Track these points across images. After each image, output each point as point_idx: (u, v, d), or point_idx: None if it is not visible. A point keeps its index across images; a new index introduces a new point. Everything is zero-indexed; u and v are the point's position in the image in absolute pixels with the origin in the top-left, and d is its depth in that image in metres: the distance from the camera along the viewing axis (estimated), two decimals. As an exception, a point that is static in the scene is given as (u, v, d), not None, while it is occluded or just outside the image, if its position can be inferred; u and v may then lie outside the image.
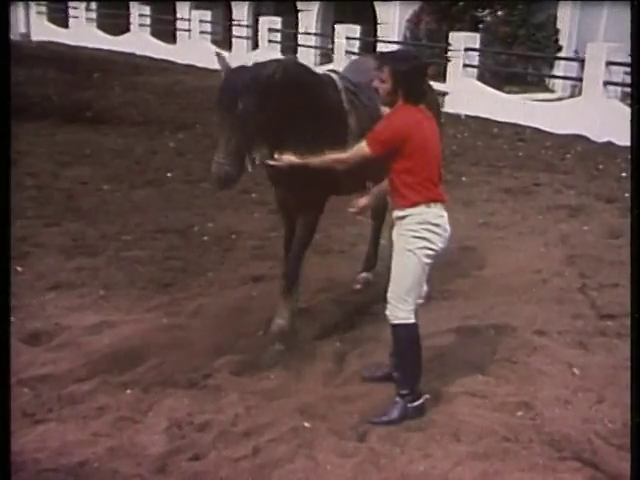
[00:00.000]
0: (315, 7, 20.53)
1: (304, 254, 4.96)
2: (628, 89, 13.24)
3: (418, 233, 3.92)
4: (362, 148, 3.96)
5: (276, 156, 4.26)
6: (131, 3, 25.72)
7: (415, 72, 3.97)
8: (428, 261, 3.98)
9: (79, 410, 4.03)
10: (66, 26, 27.91)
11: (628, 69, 13.01)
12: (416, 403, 4.09)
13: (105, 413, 4.01)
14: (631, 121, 3.33)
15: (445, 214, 4.00)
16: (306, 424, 3.96)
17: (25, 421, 3.90)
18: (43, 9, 28.34)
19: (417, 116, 3.97)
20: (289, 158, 4.22)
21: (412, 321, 4.01)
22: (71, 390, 4.21)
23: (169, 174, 9.41)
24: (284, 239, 5.21)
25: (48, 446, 3.67)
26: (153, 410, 4.08)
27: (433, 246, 3.95)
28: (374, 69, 4.03)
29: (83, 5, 27.17)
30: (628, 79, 13.03)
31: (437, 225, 3.95)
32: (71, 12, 27.91)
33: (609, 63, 12.48)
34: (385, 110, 4.18)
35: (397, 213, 4.01)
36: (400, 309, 3.98)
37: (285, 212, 5.11)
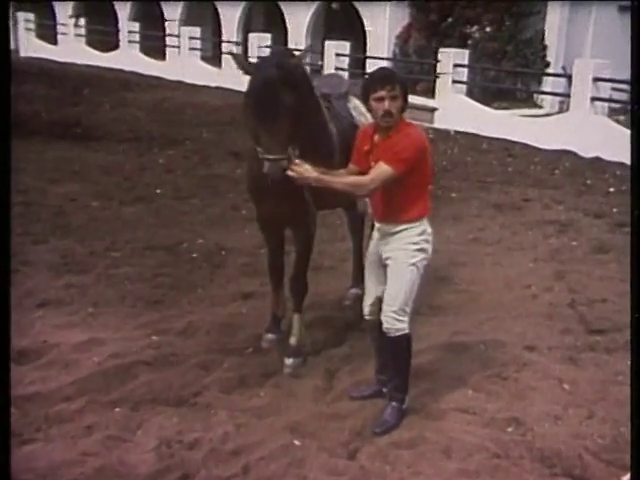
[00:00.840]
0: (305, 24, 20.64)
1: (308, 267, 4.97)
2: (615, 105, 13.36)
3: (419, 245, 4.02)
4: (387, 170, 3.85)
5: (295, 168, 4.00)
6: (120, 19, 25.80)
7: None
8: (423, 271, 4.08)
9: (67, 429, 4.00)
10: (55, 42, 27.91)
11: (615, 85, 13.15)
12: (404, 406, 4.23)
13: (93, 432, 3.98)
14: (631, 122, 3.39)
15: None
16: (296, 442, 3.94)
17: (12, 441, 3.86)
18: (32, 25, 28.33)
19: (418, 128, 4.06)
20: (309, 173, 3.98)
21: (409, 331, 4.11)
22: (59, 409, 4.17)
23: (158, 191, 9.39)
24: (270, 259, 5.16)
25: (35, 466, 3.64)
26: (142, 428, 4.05)
27: (428, 255, 4.08)
28: (380, 89, 3.88)
29: (72, 21, 27.19)
30: (615, 95, 13.17)
31: (430, 234, 4.08)
32: (60, 28, 27.89)
33: (596, 79, 12.57)
34: (361, 122, 4.22)
35: (395, 228, 4.03)
36: (401, 321, 4.05)
37: (272, 230, 5.00)
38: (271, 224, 4.95)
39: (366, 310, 4.33)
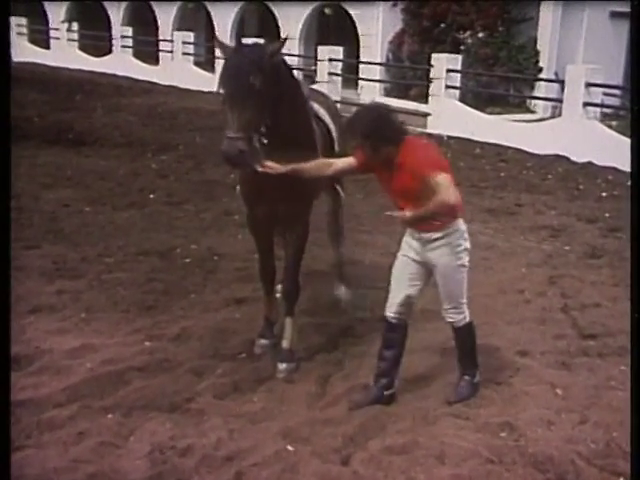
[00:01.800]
0: (298, 29, 20.67)
1: (299, 270, 4.98)
2: (607, 110, 13.42)
3: (462, 246, 4.27)
4: (447, 177, 4.05)
5: (269, 164, 4.18)
6: (113, 24, 25.80)
7: (376, 127, 4.04)
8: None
9: (59, 436, 3.97)
10: (47, 47, 27.87)
11: (607, 90, 13.21)
12: (476, 379, 4.58)
13: (86, 438, 3.95)
14: (631, 122, 3.48)
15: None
16: (289, 448, 3.93)
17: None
18: (24, 30, 28.29)
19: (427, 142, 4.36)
20: (281, 168, 4.17)
21: (469, 319, 4.47)
22: (51, 415, 4.15)
23: (152, 196, 9.38)
24: (261, 264, 5.17)
25: (27, 473, 3.61)
26: (135, 435, 4.03)
27: (468, 251, 4.33)
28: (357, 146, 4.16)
29: (64, 26, 27.16)
30: (607, 100, 13.22)
31: (465, 231, 4.31)
32: (52, 33, 27.89)
33: (588, 84, 12.63)
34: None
35: (436, 235, 4.19)
36: (462, 312, 4.41)
37: (263, 234, 5.01)
38: (264, 227, 4.95)
39: (393, 309, 4.42)
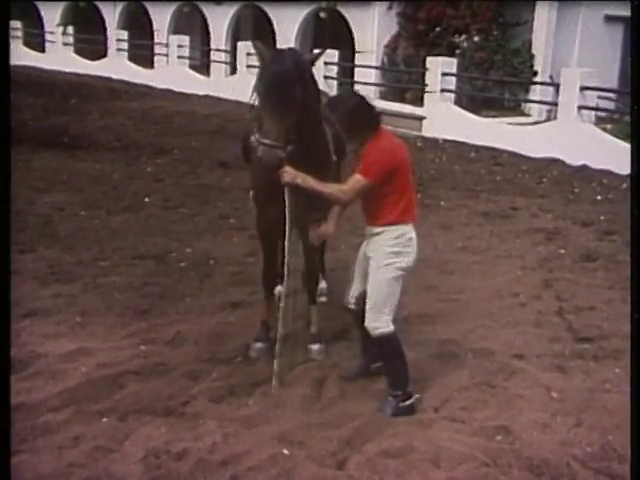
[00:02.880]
0: (293, 32, 20.69)
1: (321, 263, 5.16)
2: (602, 113, 13.46)
3: (394, 248, 4.23)
4: (360, 180, 4.13)
5: (288, 170, 4.23)
6: (108, 28, 25.78)
7: (350, 113, 4.19)
8: (401, 274, 4.28)
9: (54, 440, 3.95)
10: (43, 50, 27.86)
11: (602, 94, 13.24)
12: (407, 402, 4.38)
13: (80, 443, 3.94)
14: (631, 122, 3.52)
15: (413, 230, 4.31)
16: (285, 451, 3.91)
17: (-2, 452, 3.83)
18: (19, 33, 28.26)
19: (394, 141, 4.29)
20: (301, 175, 4.22)
21: (391, 329, 4.30)
22: (45, 419, 4.13)
23: (147, 199, 9.37)
24: (266, 266, 5.20)
25: (22, 478, 3.60)
26: (130, 439, 4.02)
27: (406, 260, 4.27)
28: None
29: (60, 30, 27.14)
30: (602, 104, 13.26)
31: (410, 240, 4.27)
32: (48, 36, 27.87)
33: (583, 88, 12.66)
34: None
35: (373, 230, 4.29)
36: (378, 320, 4.27)
37: (273, 236, 4.99)
38: (276, 229, 4.88)
39: (351, 300, 4.58)
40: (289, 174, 4.23)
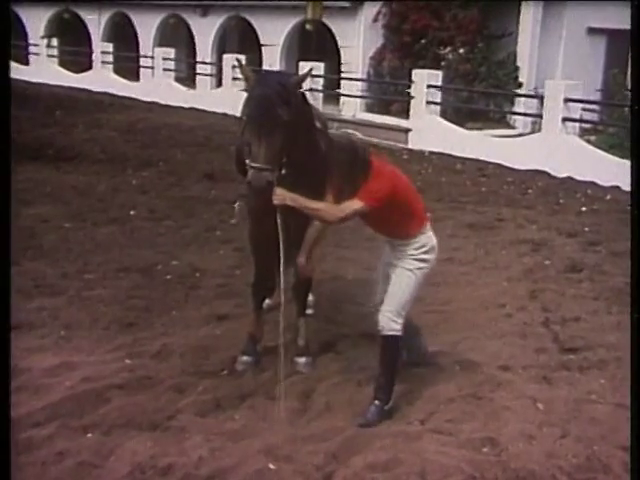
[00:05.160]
0: (279, 44, 20.75)
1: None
2: (586, 125, 13.56)
3: (416, 256, 4.44)
4: (357, 205, 4.22)
5: (278, 192, 4.23)
6: (93, 40, 25.76)
7: (348, 170, 4.31)
8: (422, 279, 4.50)
9: (37, 456, 3.91)
10: (26, 63, 27.72)
11: (586, 106, 13.35)
12: (388, 406, 4.48)
13: (65, 458, 3.89)
14: (631, 121, 3.61)
15: (431, 231, 4.54)
16: (271, 466, 3.89)
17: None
18: (3, 46, 28.14)
19: (388, 167, 4.44)
20: (290, 196, 4.24)
21: (400, 334, 4.45)
22: (29, 435, 4.08)
23: (132, 212, 9.33)
24: (258, 279, 5.20)
25: (5, 494, 3.56)
26: (115, 454, 3.98)
27: (428, 264, 4.49)
28: None
29: (44, 42, 27.08)
30: (586, 115, 13.36)
31: (433, 248, 4.51)
32: (32, 49, 27.79)
33: (567, 100, 12.75)
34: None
35: (396, 242, 4.50)
36: (396, 322, 4.42)
37: (268, 249, 4.95)
38: (269, 242, 4.89)
39: (377, 298, 4.70)
40: (278, 196, 4.24)
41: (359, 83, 18.48)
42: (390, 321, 4.41)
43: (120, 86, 23.71)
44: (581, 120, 13.15)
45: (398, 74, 17.45)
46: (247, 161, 4.31)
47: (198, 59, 22.95)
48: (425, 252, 4.46)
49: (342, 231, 8.35)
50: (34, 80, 25.49)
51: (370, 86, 18.68)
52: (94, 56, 25.40)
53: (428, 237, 4.50)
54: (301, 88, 4.57)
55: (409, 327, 4.76)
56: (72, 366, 4.97)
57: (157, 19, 24.39)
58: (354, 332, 5.72)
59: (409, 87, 15.66)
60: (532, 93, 15.90)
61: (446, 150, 14.23)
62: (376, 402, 4.47)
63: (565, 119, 12.80)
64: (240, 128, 4.62)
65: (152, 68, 22.97)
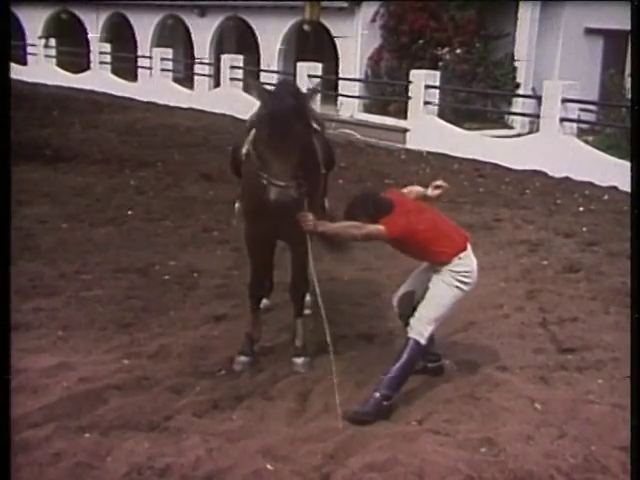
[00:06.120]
0: (277, 45, 20.74)
1: (306, 276, 5.13)
2: (583, 125, 13.57)
3: (457, 276, 4.53)
4: (380, 230, 4.39)
5: (309, 219, 4.44)
6: (91, 40, 25.72)
7: (371, 210, 4.48)
8: (459, 298, 4.60)
9: (34, 457, 3.89)
10: (24, 63, 27.66)
11: (583, 106, 13.36)
12: (387, 403, 4.49)
13: (62, 459, 3.88)
14: (631, 120, 3.63)
15: (472, 256, 4.63)
16: (269, 466, 3.89)
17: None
18: None
19: (408, 202, 4.61)
20: (320, 224, 4.47)
21: (425, 342, 4.54)
22: (26, 436, 4.07)
23: (130, 212, 9.32)
24: (255, 279, 5.19)
25: (2, 495, 3.55)
26: (112, 455, 3.97)
27: (465, 287, 4.57)
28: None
29: (42, 42, 27.04)
30: (583, 116, 13.37)
31: (468, 272, 4.56)
32: (29, 49, 27.75)
33: (565, 100, 12.76)
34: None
35: (435, 266, 4.61)
36: (425, 329, 4.52)
37: (265, 250, 5.05)
38: (268, 243, 4.98)
39: (394, 299, 4.90)
40: (308, 224, 4.42)
41: (357, 83, 18.47)
42: (419, 326, 4.51)
43: (118, 86, 23.69)
44: (579, 120, 13.16)
45: (396, 74, 17.45)
46: (264, 177, 4.28)
47: (196, 59, 22.93)
48: (464, 275, 4.54)
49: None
50: (32, 80, 25.46)
51: (368, 86, 18.68)
52: (92, 56, 25.36)
53: (466, 263, 4.56)
54: (312, 102, 4.60)
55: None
56: (69, 367, 4.96)
57: (155, 19, 24.37)
58: (352, 332, 5.72)
59: (407, 87, 15.66)
60: (530, 93, 15.91)
61: (444, 150, 14.23)
62: (376, 394, 4.48)
63: (563, 119, 12.81)
64: (252, 141, 4.64)
65: (150, 68, 22.94)
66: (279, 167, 4.21)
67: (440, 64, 16.95)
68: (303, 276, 5.12)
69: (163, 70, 22.48)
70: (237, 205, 5.52)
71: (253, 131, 4.84)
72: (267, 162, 4.29)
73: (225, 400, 4.68)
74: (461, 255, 4.55)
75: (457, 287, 4.53)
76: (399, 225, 4.41)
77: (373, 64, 18.65)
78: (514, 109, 16.45)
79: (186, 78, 23.05)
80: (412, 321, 4.55)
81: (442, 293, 4.52)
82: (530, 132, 14.71)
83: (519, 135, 14.91)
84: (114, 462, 3.90)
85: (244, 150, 4.92)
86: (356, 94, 18.32)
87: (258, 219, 4.83)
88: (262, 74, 19.99)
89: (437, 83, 15.36)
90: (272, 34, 20.73)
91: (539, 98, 13.77)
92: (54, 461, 3.87)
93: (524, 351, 5.49)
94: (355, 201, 4.57)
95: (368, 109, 18.28)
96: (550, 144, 12.75)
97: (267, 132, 4.26)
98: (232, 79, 19.74)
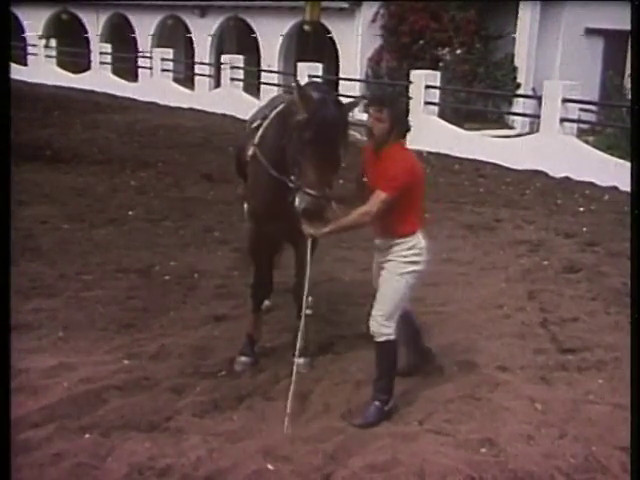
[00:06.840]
0: (277, 45, 20.74)
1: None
2: (584, 125, 13.57)
3: (409, 258, 4.35)
4: (383, 196, 4.16)
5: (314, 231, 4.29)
6: (91, 41, 25.74)
7: (406, 113, 4.38)
8: (414, 282, 4.43)
9: (35, 457, 3.90)
10: (25, 63, 27.69)
11: (583, 106, 13.36)
12: (389, 406, 4.46)
13: (62, 460, 3.89)
14: (631, 120, 3.67)
15: (421, 236, 4.44)
16: (270, 466, 3.89)
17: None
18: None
19: (411, 155, 4.43)
20: (330, 229, 4.29)
21: (395, 336, 4.39)
22: (26, 436, 4.07)
23: (130, 213, 9.32)
24: (259, 279, 5.18)
25: (2, 496, 3.55)
26: (113, 455, 3.97)
27: (419, 267, 4.40)
28: (369, 108, 4.27)
29: (42, 42, 27.06)
30: (584, 116, 13.37)
31: (422, 249, 4.40)
32: (30, 49, 27.76)
33: (565, 100, 12.76)
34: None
35: (389, 242, 4.38)
36: (387, 327, 4.35)
37: (271, 250, 5.03)
38: (275, 243, 4.97)
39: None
40: (317, 232, 4.28)
41: (357, 84, 18.47)
42: (380, 326, 4.35)
43: (118, 87, 23.70)
44: (579, 120, 13.16)
45: (396, 75, 17.47)
46: (294, 182, 4.22)
47: (196, 60, 22.94)
48: (416, 254, 4.37)
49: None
50: (32, 80, 25.49)
51: (368, 87, 18.68)
52: (92, 57, 25.38)
53: (418, 239, 4.40)
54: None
55: (412, 328, 4.78)
56: (70, 367, 4.97)
57: (155, 20, 24.39)
58: (352, 333, 5.72)
59: (407, 88, 15.65)
60: (530, 93, 15.92)
61: (444, 150, 14.22)
62: (376, 403, 4.45)
63: (563, 119, 12.80)
64: (257, 144, 4.60)
65: (150, 69, 22.95)
66: (316, 176, 4.12)
67: (440, 64, 16.97)
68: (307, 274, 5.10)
69: (164, 70, 22.49)
70: (246, 206, 5.51)
71: (260, 132, 4.81)
72: (304, 169, 4.18)
73: (226, 400, 4.68)
74: (417, 230, 4.41)
75: (409, 272, 4.34)
76: (397, 178, 4.19)
77: (374, 64, 18.67)
78: (514, 109, 16.46)
79: (186, 78, 23.07)
80: (372, 324, 4.38)
81: (394, 285, 4.34)
82: (530, 132, 14.72)
83: (519, 135, 14.91)
84: (115, 462, 3.90)
85: (250, 152, 4.89)
86: (357, 94, 18.30)
87: (267, 221, 4.81)
88: (262, 74, 20.03)
89: (437, 83, 15.35)
90: (272, 34, 20.74)
91: (539, 98, 13.77)
92: (54, 461, 3.88)
93: (524, 351, 5.49)
94: (393, 98, 4.48)
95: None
96: (550, 144, 12.75)
97: (311, 140, 4.14)
98: (232, 79, 19.74)
